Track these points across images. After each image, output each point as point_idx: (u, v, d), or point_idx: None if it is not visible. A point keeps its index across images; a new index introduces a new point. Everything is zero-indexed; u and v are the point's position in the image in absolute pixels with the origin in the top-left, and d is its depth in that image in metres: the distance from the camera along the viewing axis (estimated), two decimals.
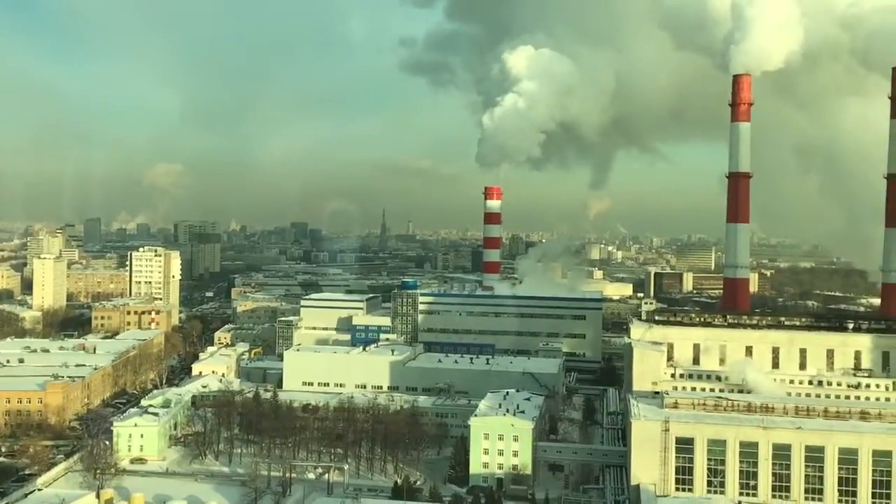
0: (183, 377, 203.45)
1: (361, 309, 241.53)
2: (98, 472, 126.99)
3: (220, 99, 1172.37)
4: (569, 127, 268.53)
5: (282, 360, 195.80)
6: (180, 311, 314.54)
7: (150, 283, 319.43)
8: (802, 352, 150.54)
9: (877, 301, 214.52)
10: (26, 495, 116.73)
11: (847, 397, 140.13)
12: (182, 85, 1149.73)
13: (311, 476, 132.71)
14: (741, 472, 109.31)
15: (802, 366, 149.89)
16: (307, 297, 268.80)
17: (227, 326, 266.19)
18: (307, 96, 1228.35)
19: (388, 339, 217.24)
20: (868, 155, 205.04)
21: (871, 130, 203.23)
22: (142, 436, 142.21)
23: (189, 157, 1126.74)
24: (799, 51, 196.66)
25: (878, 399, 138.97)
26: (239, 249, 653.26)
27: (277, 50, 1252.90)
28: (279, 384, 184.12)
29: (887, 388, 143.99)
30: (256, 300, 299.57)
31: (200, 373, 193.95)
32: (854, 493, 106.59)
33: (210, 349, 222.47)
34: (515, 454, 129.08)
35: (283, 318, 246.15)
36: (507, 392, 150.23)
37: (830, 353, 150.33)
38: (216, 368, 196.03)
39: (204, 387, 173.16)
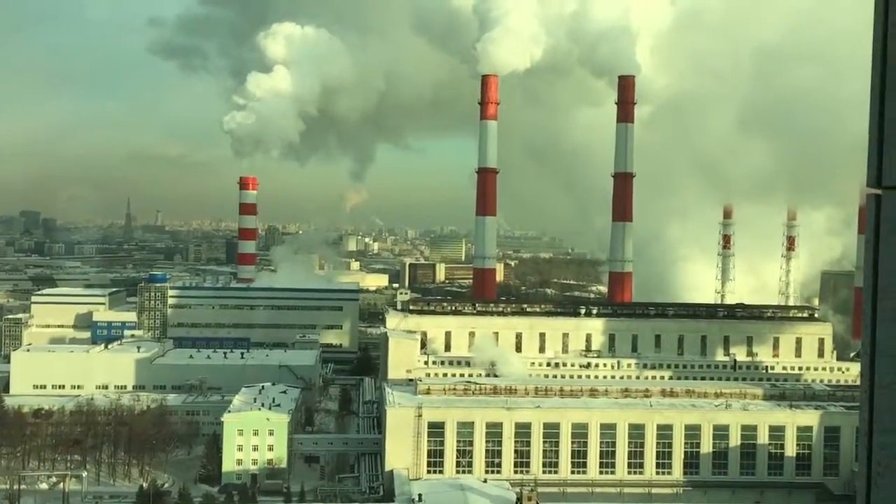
0: None
1: (103, 304, 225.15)
2: None
3: None
4: (329, 115, 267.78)
5: (8, 362, 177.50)
6: None
7: None
8: (542, 336, 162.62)
9: (605, 288, 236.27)
10: None
11: (580, 377, 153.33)
12: None
13: (45, 486, 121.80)
14: (487, 451, 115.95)
15: (542, 349, 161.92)
16: (39, 292, 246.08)
17: None
18: (41, 75, 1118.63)
19: (133, 336, 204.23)
20: (598, 155, 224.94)
21: (601, 132, 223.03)
22: None
23: None
24: (538, 56, 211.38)
25: (605, 377, 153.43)
26: None
27: (7, 22, 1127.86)
28: (6, 389, 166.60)
29: (613, 367, 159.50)
30: None
31: None
32: (585, 464, 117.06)
33: None
34: (271, 448, 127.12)
35: (10, 316, 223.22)
36: (263, 386, 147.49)
37: (566, 337, 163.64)
38: None
39: None
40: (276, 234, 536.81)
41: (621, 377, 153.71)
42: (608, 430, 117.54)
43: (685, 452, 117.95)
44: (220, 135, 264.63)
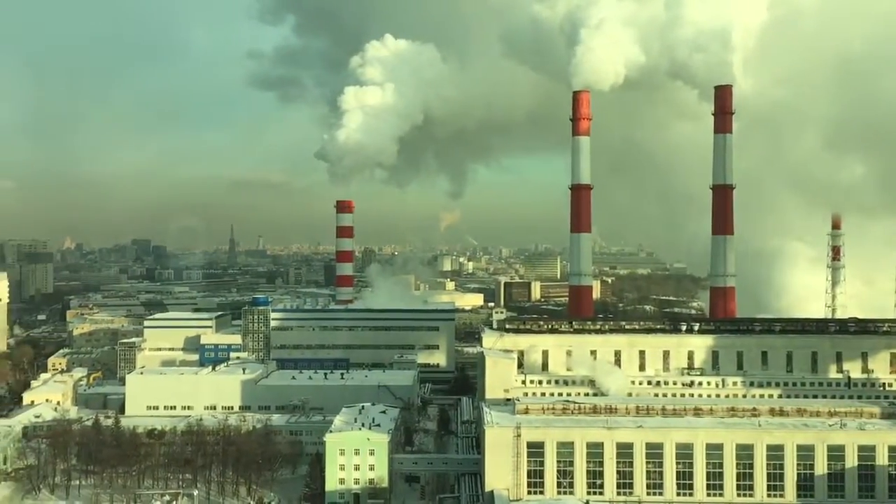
0: (12, 408, 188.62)
1: (210, 327, 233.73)
2: None
3: (55, 110, 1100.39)
4: (424, 135, 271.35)
5: (124, 384, 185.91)
6: (8, 337, 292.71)
7: None
8: (641, 353, 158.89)
9: (706, 304, 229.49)
10: None
11: (682, 395, 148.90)
12: (11, 94, 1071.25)
13: None
14: (588, 471, 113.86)
15: (642, 367, 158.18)
16: (151, 316, 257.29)
17: (62, 351, 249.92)
18: (150, 108, 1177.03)
19: (238, 358, 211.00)
20: (699, 167, 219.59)
21: (698, 145, 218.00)
22: None
23: (18, 171, 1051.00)
24: (629, 69, 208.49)
25: (709, 396, 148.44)
26: (74, 269, 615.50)
27: (119, 60, 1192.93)
28: (121, 410, 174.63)
29: (717, 385, 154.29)
30: (95, 322, 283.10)
31: (32, 402, 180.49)
32: (691, 486, 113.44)
33: (43, 376, 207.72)
34: (372, 468, 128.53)
35: (124, 340, 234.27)
36: (363, 406, 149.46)
37: (667, 355, 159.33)
38: (50, 396, 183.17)
39: (37, 416, 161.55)
40: (372, 255, 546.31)
41: (727, 396, 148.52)
42: (715, 450, 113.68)
43: (798, 474, 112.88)
44: (318, 161, 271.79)
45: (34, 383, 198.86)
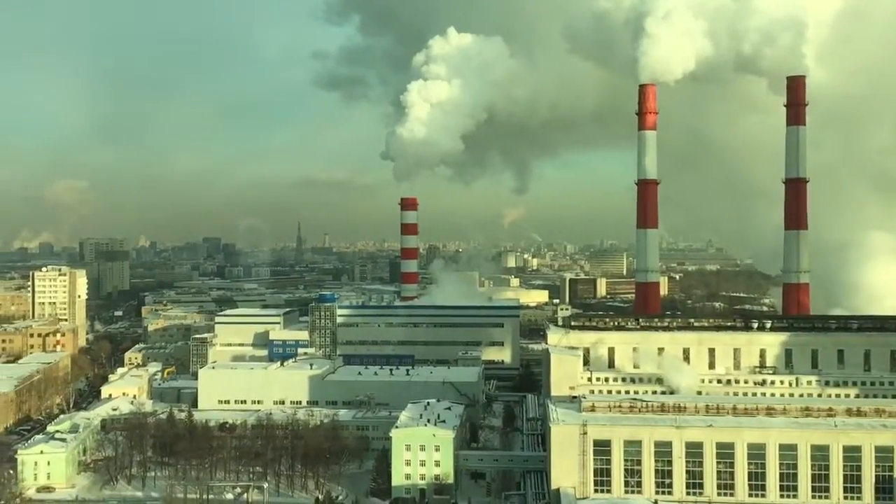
0: (91, 400, 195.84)
1: (278, 323, 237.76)
2: (2, 502, 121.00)
3: (127, 112, 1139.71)
4: (488, 131, 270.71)
5: (196, 378, 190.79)
6: (88, 332, 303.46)
7: (54, 303, 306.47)
8: (711, 351, 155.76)
9: (779, 301, 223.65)
10: None
11: (754, 394, 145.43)
12: (86, 97, 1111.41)
13: (230, 496, 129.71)
14: (657, 471, 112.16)
15: (711, 365, 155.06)
16: (222, 313, 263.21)
17: (137, 346, 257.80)
18: (218, 109, 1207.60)
19: (306, 354, 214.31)
20: (768, 161, 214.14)
21: (770, 137, 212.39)
22: (48, 463, 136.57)
23: (95, 172, 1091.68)
24: (701, 61, 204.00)
25: (782, 395, 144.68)
26: (149, 266, 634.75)
27: (187, 62, 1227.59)
28: (194, 404, 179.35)
29: (791, 385, 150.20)
30: (168, 318, 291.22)
31: (110, 395, 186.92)
32: (763, 487, 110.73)
33: (120, 370, 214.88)
34: (437, 464, 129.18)
35: (196, 336, 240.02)
36: (428, 402, 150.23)
37: (737, 352, 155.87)
38: (127, 390, 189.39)
39: (114, 409, 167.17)
40: (436, 252, 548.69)
41: (801, 395, 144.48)
42: (788, 451, 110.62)
43: (877, 476, 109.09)
44: (382, 159, 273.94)
45: (111, 377, 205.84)
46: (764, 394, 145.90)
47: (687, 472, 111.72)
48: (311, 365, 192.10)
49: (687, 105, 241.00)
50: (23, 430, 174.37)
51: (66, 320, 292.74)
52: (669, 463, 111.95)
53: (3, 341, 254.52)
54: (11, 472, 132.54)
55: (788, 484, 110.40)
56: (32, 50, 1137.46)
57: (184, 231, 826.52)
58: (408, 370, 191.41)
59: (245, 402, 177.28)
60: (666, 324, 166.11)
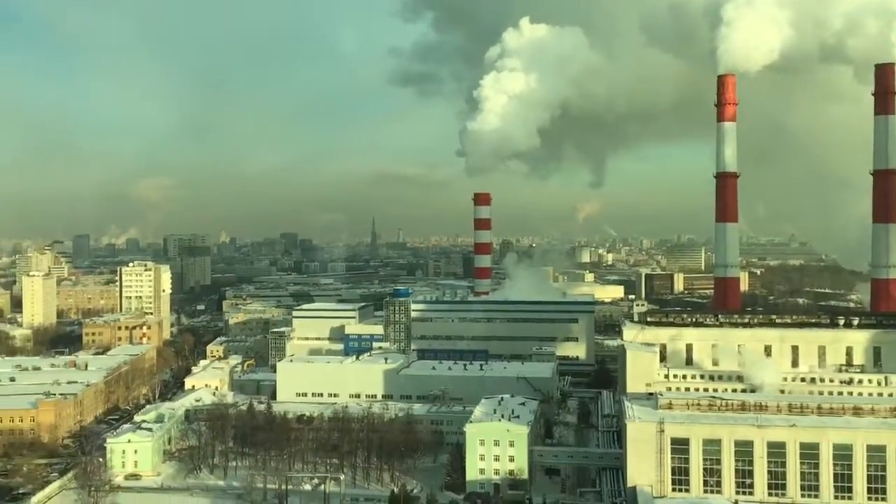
0: (176, 391, 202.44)
1: (354, 318, 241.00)
2: (92, 489, 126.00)
3: (208, 111, 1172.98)
4: (563, 124, 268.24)
5: (275, 371, 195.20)
6: (172, 325, 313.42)
7: (140, 297, 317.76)
8: (794, 349, 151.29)
9: (867, 297, 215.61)
10: None
11: (840, 393, 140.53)
12: (171, 98, 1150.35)
13: (308, 487, 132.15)
14: (737, 470, 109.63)
15: (795, 363, 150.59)
16: (299, 307, 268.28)
17: (219, 339, 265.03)
18: (296, 107, 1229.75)
19: (381, 348, 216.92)
20: (853, 152, 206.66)
21: (855, 127, 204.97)
22: (136, 451, 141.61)
23: (178, 170, 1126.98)
24: (782, 50, 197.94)
25: (870, 394, 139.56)
26: (229, 262, 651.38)
27: (266, 62, 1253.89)
28: (273, 396, 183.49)
29: (879, 384, 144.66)
30: (248, 312, 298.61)
31: (193, 386, 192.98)
32: (850, 489, 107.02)
33: (202, 362, 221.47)
34: (512, 459, 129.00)
35: (275, 330, 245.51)
36: (502, 397, 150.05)
37: (822, 350, 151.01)
38: (209, 382, 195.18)
39: (197, 400, 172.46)
40: (509, 247, 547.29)
41: (890, 395, 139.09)
42: (877, 452, 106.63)
43: None
44: (456, 154, 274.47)
45: (194, 369, 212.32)
46: (850, 393, 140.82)
47: (769, 472, 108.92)
48: (386, 359, 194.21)
49: (767, 95, 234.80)
50: (111, 419, 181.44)
51: (151, 314, 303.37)
52: (750, 463, 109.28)
53: (93, 334, 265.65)
54: (101, 459, 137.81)
55: (876, 486, 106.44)
56: (121, 55, 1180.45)
57: (262, 227, 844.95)
58: (481, 365, 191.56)
59: (321, 394, 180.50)
60: (746, 320, 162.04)
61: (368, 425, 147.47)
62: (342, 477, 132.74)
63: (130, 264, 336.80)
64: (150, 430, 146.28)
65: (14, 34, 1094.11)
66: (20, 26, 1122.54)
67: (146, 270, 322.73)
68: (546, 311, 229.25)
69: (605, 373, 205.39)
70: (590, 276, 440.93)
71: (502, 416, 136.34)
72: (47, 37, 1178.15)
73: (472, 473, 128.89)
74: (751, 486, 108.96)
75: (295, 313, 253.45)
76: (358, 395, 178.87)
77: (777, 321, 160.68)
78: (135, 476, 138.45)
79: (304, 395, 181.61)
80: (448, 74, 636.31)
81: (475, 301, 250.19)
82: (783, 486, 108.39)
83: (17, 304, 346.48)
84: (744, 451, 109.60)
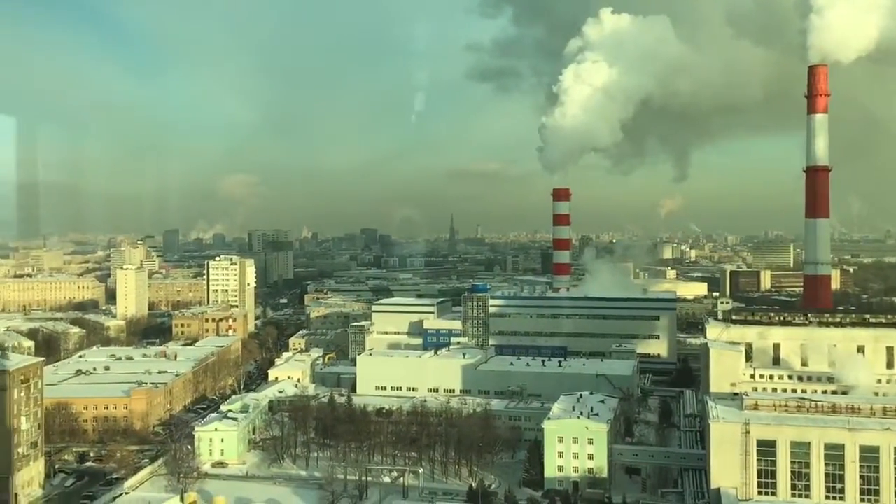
0: (260, 383, 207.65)
1: (432, 313, 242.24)
2: (182, 475, 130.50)
3: (291, 109, 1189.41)
4: (649, 113, 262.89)
5: (355, 364, 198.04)
6: (256, 318, 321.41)
7: (226, 290, 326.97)
8: (889, 350, 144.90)
9: None
10: (114, 499, 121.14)
11: None
12: (257, 96, 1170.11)
13: (387, 479, 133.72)
14: (827, 475, 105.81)
15: (889, 364, 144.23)
16: (378, 301, 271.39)
17: (301, 332, 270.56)
18: (376, 103, 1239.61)
19: (459, 343, 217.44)
20: None
21: None
22: (222, 440, 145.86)
23: (263, 166, 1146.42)
24: (880, 40, 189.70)
25: None
26: (311, 256, 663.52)
27: (345, 61, 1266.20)
28: (353, 389, 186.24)
29: None
30: (329, 306, 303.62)
31: (276, 378, 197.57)
32: None
33: (285, 355, 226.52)
34: (591, 457, 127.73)
35: (355, 324, 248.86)
36: (581, 395, 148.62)
37: None
38: (291, 374, 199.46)
39: (280, 392, 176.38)
40: (589, 243, 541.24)
41: None
42: None
43: None
44: (534, 150, 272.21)
45: (278, 361, 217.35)
46: None
47: (861, 477, 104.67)
48: (464, 354, 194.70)
49: (861, 86, 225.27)
50: (199, 408, 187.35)
51: (236, 306, 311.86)
52: (842, 467, 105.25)
53: (182, 325, 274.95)
54: (190, 447, 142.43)
55: None
56: (209, 54, 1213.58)
57: (343, 223, 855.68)
58: (560, 362, 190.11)
59: (400, 388, 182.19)
60: (838, 319, 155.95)
61: (447, 420, 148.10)
62: (421, 470, 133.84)
63: (217, 258, 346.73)
64: (235, 419, 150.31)
65: (113, 38, 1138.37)
66: (118, 30, 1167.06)
67: (232, 265, 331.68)
68: (626, 308, 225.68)
69: (688, 371, 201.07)
70: (672, 273, 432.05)
71: (581, 414, 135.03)
72: (143, 39, 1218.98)
73: (550, 471, 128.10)
74: (841, 490, 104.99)
75: (374, 308, 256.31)
76: (436, 390, 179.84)
77: (871, 321, 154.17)
78: (221, 464, 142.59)
79: (384, 388, 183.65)
80: (527, 69, 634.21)
81: (554, 297, 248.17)
82: (876, 493, 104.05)
83: (111, 296, 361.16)
84: (834, 454, 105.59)
